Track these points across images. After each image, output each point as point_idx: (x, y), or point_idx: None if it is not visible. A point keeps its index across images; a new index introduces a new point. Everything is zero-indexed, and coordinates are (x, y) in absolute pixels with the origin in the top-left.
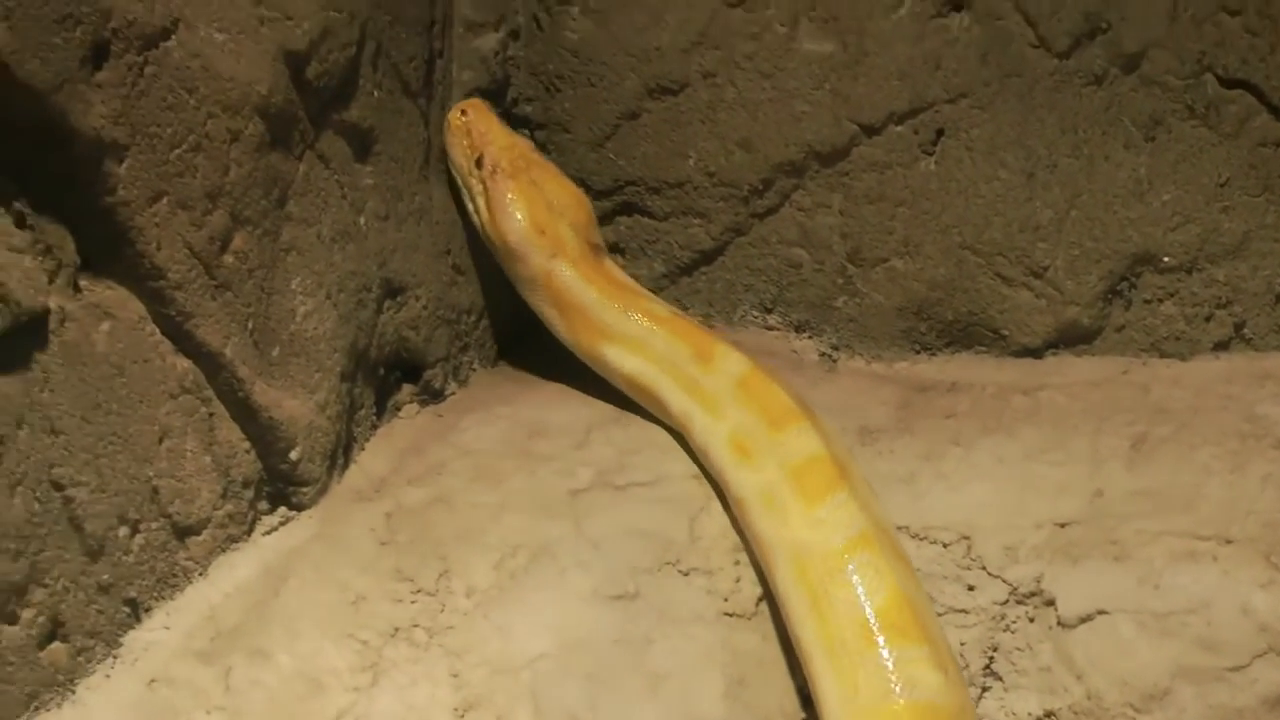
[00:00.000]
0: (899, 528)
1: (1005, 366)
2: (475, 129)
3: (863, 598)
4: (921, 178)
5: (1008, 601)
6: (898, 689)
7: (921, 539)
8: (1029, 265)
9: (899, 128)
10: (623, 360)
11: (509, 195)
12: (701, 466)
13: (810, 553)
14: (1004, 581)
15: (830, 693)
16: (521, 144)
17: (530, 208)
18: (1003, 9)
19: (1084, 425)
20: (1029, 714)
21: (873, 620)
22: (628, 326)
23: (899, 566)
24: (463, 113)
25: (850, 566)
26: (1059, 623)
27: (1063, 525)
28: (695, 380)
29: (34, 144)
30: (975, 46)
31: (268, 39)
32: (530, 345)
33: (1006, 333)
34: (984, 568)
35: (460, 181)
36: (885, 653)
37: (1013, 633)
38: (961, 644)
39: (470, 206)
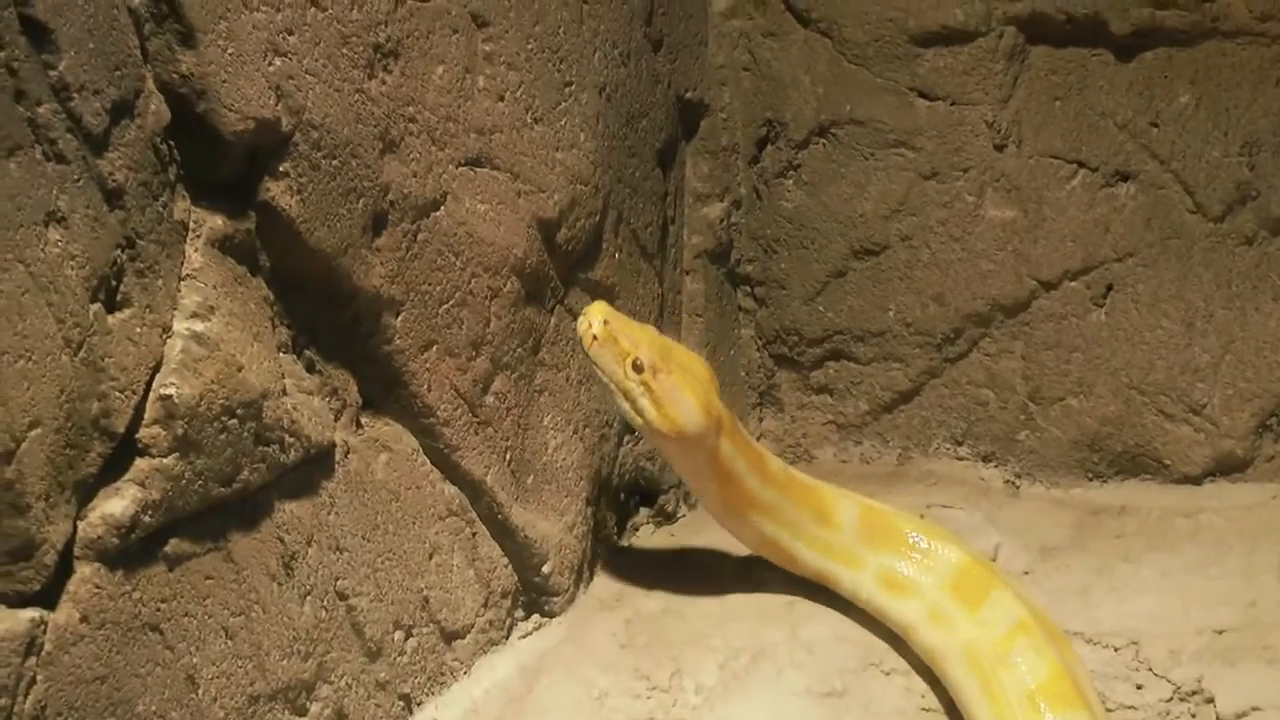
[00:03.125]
0: (1074, 634)
1: (1168, 492)
2: (622, 334)
3: (1026, 675)
4: (1093, 327)
5: (1172, 699)
6: None
7: (1095, 643)
8: (1189, 403)
9: (1073, 283)
10: (763, 526)
11: (678, 390)
12: None
13: (979, 646)
14: (1169, 681)
15: None
16: (653, 333)
17: (695, 395)
18: (1164, 179)
19: (1239, 544)
20: None
21: (1037, 693)
22: (766, 495)
23: (1056, 644)
24: (604, 321)
25: (1013, 650)
26: (1218, 718)
27: (1220, 632)
28: (826, 541)
29: (322, 300)
30: (1140, 212)
31: (524, 209)
32: None
33: (1169, 462)
34: (1150, 669)
35: (615, 386)
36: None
37: None
38: None
39: (628, 407)
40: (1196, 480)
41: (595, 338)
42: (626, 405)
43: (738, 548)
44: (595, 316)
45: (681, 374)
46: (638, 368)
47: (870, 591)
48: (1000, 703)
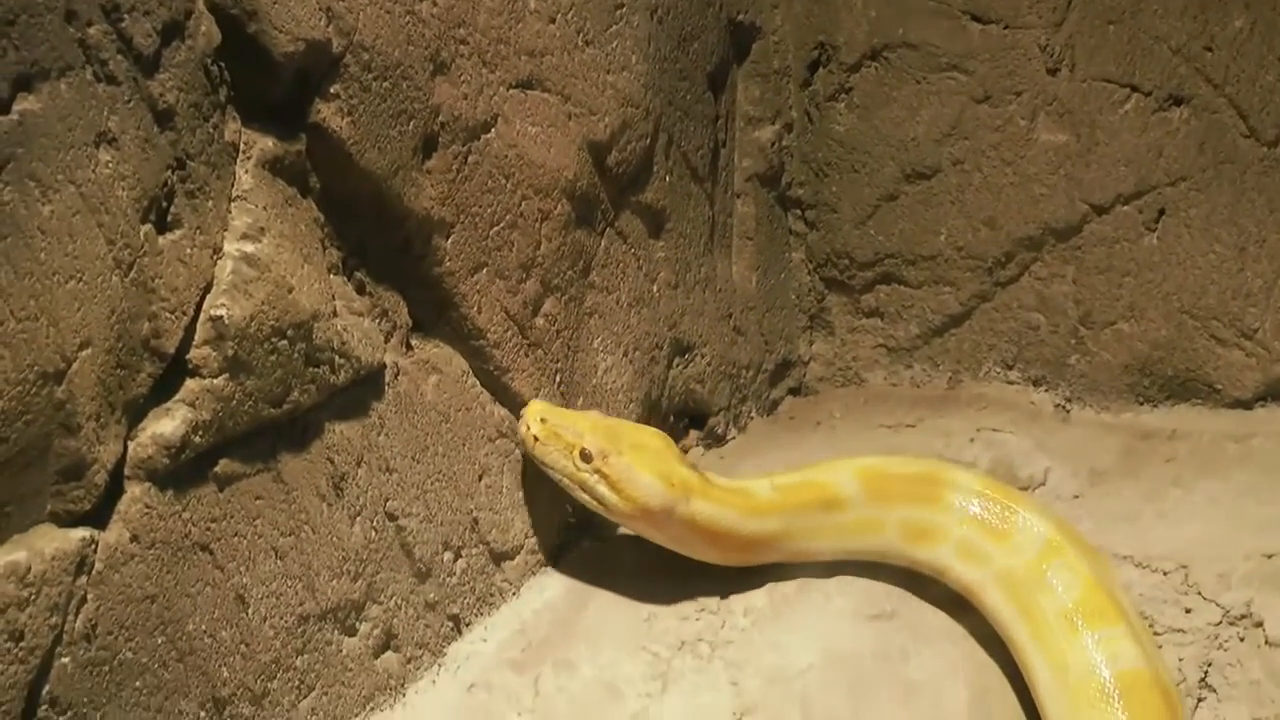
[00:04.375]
0: (1123, 557)
1: (1219, 417)
2: (563, 427)
3: (1062, 595)
4: (1145, 251)
5: (1221, 623)
6: (1102, 664)
7: (1144, 568)
8: (1240, 328)
9: (1125, 207)
10: (781, 549)
11: (632, 469)
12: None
13: (1014, 574)
14: (1218, 605)
15: (1043, 676)
16: (595, 417)
17: (652, 469)
18: (1217, 104)
19: None
20: None
21: (1074, 611)
22: (766, 525)
23: (1087, 558)
24: (540, 420)
25: (1047, 572)
26: (1267, 642)
27: (1270, 556)
28: (839, 524)
29: (372, 223)
30: (1193, 136)
31: (574, 132)
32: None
33: (1220, 387)
34: (1200, 593)
35: (568, 480)
36: (1087, 636)
37: (1225, 650)
38: (1180, 660)
39: (587, 498)
40: (1247, 405)
41: (536, 438)
42: (585, 496)
43: (789, 465)
44: (532, 417)
45: (633, 451)
46: (586, 457)
47: (897, 548)
48: (1039, 625)
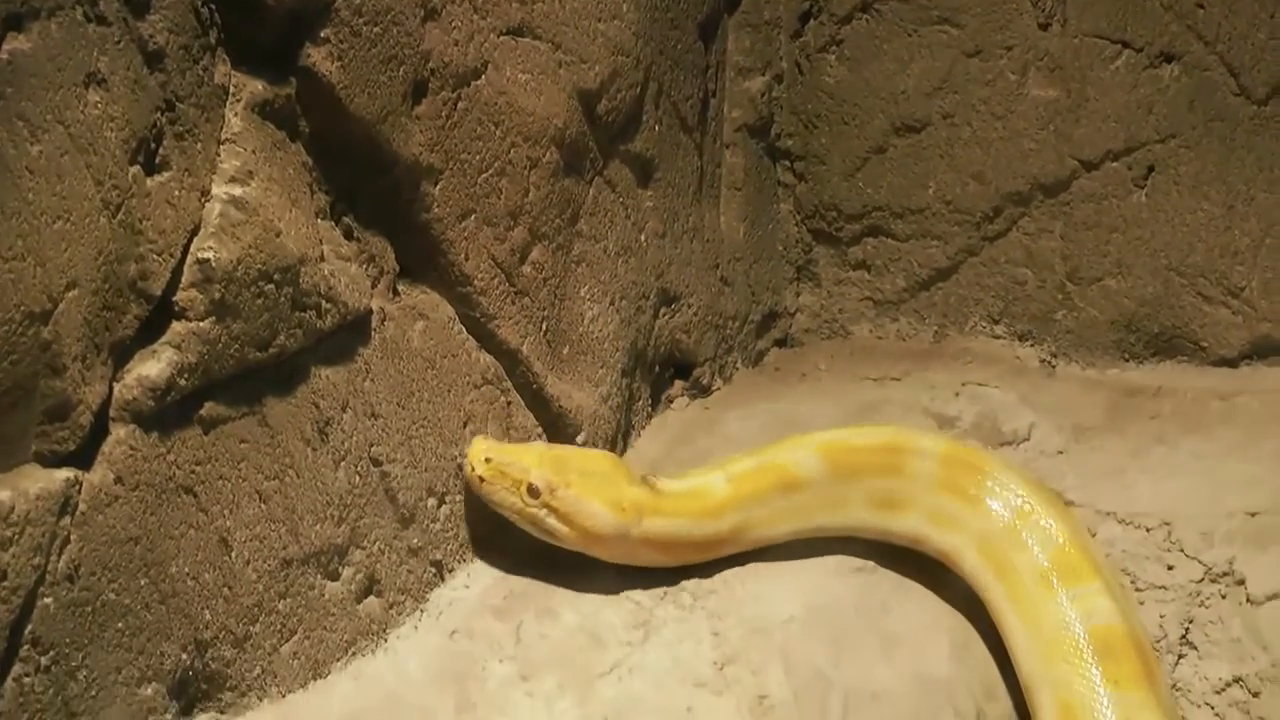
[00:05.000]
0: (1106, 514)
1: (1205, 374)
2: (508, 465)
3: (1039, 554)
4: (1134, 208)
5: (1203, 580)
6: (1076, 620)
7: (1127, 524)
8: (1227, 286)
9: (1115, 164)
10: (741, 539)
11: (580, 501)
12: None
13: (989, 535)
14: (1200, 563)
15: (1018, 633)
16: (539, 449)
17: (601, 497)
18: (1208, 61)
19: (1274, 427)
20: (1220, 679)
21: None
22: (724, 524)
23: (1060, 515)
24: (485, 460)
25: (1023, 531)
26: (1248, 600)
27: (1253, 515)
28: (798, 505)
29: (361, 167)
30: (1183, 94)
31: (564, 79)
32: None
33: (1206, 344)
34: (1182, 550)
35: (518, 518)
36: (1062, 595)
37: (1207, 608)
38: (1161, 616)
39: (539, 532)
40: (1233, 363)
41: (482, 479)
42: (537, 531)
43: (770, 423)
44: (476, 458)
45: (581, 480)
46: (534, 492)
47: (866, 521)
48: (1015, 585)
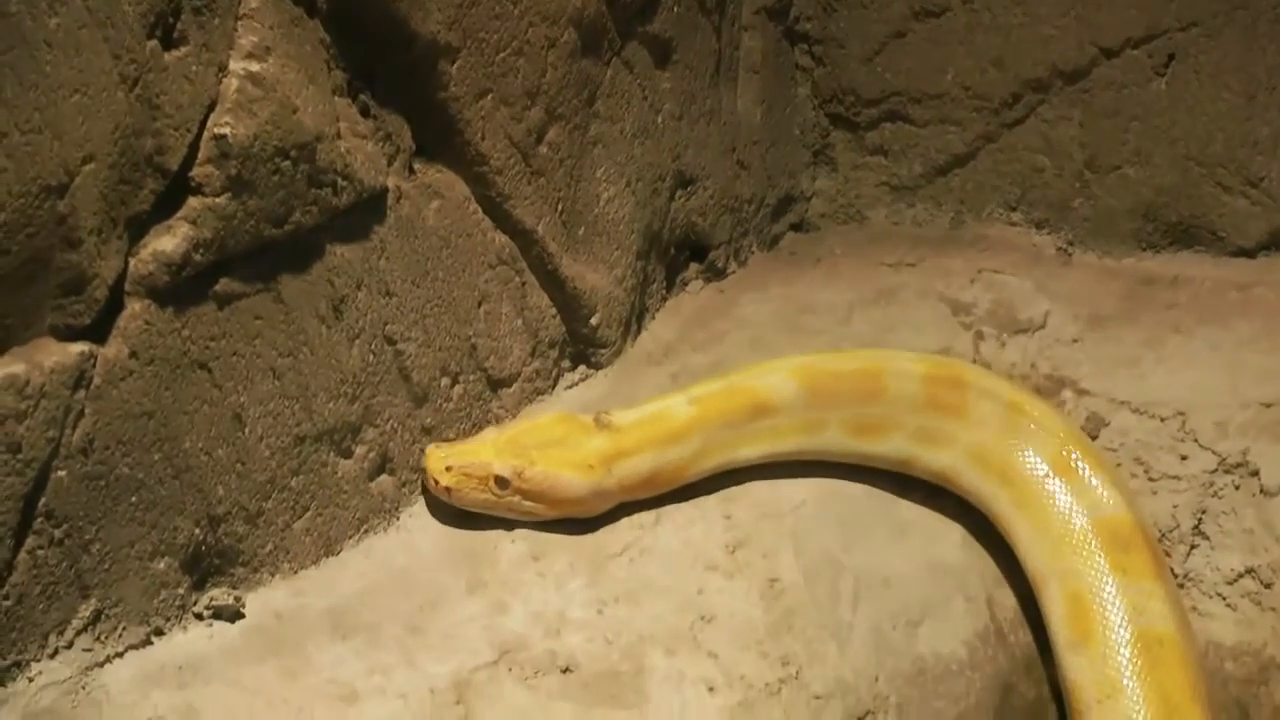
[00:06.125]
0: (1121, 403)
1: (1222, 264)
2: (468, 466)
3: (1037, 457)
4: (1153, 96)
5: (1216, 471)
6: (1082, 513)
7: (1141, 413)
8: (1247, 176)
9: (1135, 52)
10: (706, 464)
11: (549, 475)
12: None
13: (983, 446)
14: (1214, 453)
15: (1023, 532)
16: (492, 436)
17: (568, 466)
18: None
19: None
20: (1231, 569)
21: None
22: (689, 446)
23: (1051, 410)
24: (445, 469)
25: (1018, 436)
26: (1261, 491)
27: (1268, 405)
28: (773, 428)
29: (378, 46)
30: None
31: None
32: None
33: (1224, 234)
34: (1196, 440)
35: (495, 510)
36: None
37: (1220, 498)
38: (1174, 506)
39: (518, 515)
40: (1251, 253)
41: (449, 488)
42: (517, 515)
43: (784, 306)
44: (435, 470)
45: (542, 455)
46: (502, 484)
47: (847, 446)
48: (1018, 489)
